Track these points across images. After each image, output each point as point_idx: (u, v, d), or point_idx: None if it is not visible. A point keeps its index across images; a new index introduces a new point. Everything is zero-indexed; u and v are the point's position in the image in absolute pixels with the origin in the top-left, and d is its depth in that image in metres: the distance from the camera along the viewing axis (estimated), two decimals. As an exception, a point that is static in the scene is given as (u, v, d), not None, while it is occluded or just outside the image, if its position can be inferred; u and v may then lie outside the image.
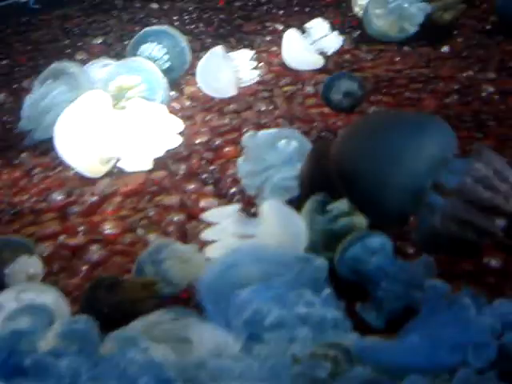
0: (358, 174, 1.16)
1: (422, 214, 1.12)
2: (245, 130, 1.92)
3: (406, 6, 2.40)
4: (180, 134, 1.88)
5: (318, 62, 2.29)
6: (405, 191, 1.11)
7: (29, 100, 1.93)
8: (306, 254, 1.16)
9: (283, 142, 1.44)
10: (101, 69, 2.04)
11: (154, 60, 2.08)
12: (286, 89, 2.20)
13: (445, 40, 2.46)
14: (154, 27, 2.35)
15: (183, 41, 2.23)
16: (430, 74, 2.19)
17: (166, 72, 2.07)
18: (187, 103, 2.19)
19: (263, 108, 2.08)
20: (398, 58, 2.36)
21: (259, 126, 1.94)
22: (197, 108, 2.13)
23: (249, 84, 2.18)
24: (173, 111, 2.06)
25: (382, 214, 1.17)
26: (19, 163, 1.95)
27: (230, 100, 2.13)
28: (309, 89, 2.17)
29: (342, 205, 1.27)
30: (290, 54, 2.31)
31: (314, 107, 2.06)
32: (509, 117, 1.87)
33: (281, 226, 1.22)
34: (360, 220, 1.26)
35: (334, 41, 2.35)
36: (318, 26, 2.35)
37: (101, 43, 2.83)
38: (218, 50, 2.16)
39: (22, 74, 2.62)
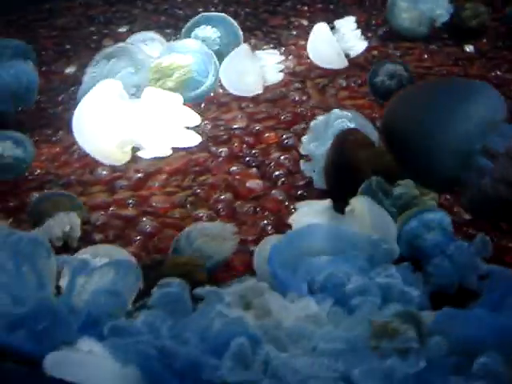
0: (408, 137, 1.20)
1: (472, 178, 1.15)
2: (282, 117, 1.96)
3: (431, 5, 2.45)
4: (217, 119, 1.92)
5: (342, 63, 2.27)
6: (454, 154, 1.14)
7: (91, 75, 1.95)
8: (379, 238, 1.18)
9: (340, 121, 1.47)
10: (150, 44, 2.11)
11: (206, 41, 2.11)
12: (317, 81, 2.23)
13: (470, 41, 2.52)
14: (212, 13, 2.38)
15: (238, 29, 2.26)
16: (459, 72, 2.24)
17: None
18: (221, 90, 2.21)
19: (297, 98, 2.10)
20: (426, 56, 2.40)
21: (295, 115, 1.97)
22: (231, 95, 2.15)
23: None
24: (208, 98, 2.10)
25: (432, 177, 1.21)
26: (58, 140, 1.96)
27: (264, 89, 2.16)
28: (341, 81, 2.21)
29: (406, 187, 1.30)
30: (316, 49, 2.30)
31: (348, 99, 2.10)
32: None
33: (374, 226, 1.22)
34: (428, 201, 1.29)
35: (359, 43, 2.34)
36: (347, 25, 2.35)
37: (127, 31, 2.84)
38: (243, 48, 2.15)
39: (49, 57, 2.63)
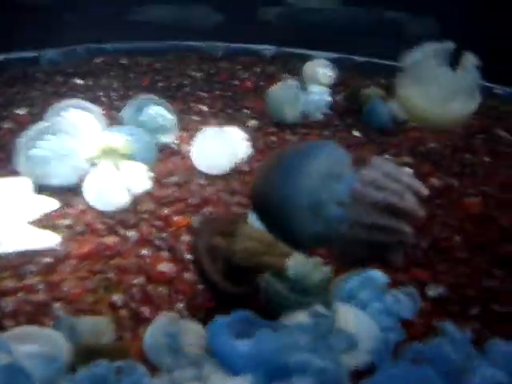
0: (269, 204, 1.24)
1: (331, 228, 1.21)
2: (189, 200, 2.01)
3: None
4: (124, 202, 1.95)
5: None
6: (308, 210, 1.19)
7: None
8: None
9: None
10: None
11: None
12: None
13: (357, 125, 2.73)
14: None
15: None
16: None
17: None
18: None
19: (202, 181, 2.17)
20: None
21: (203, 199, 2.04)
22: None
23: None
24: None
25: (299, 238, 1.24)
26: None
27: (170, 172, 2.22)
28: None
29: (295, 266, 1.38)
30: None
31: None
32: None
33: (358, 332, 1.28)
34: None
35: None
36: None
37: (26, 114, 2.83)
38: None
39: None
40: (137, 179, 2.02)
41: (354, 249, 1.22)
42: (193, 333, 1.29)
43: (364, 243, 1.20)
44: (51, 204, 1.95)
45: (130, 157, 2.04)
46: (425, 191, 1.22)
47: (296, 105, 2.69)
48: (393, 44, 2.98)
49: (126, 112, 2.40)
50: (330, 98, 2.82)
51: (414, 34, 3.58)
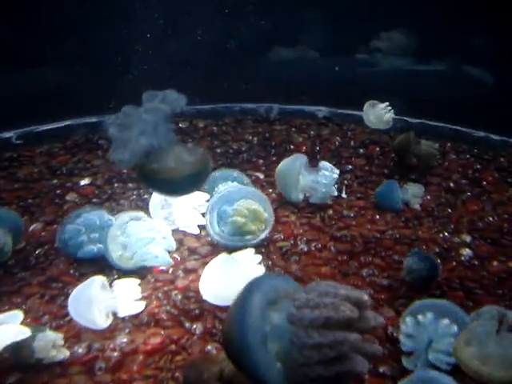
0: (229, 347, 1.34)
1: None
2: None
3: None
4: (187, 289, 2.00)
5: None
6: (257, 346, 1.26)
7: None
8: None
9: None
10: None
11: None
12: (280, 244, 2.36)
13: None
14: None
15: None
16: (411, 235, 2.41)
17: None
18: (187, 254, 2.30)
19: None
20: (377, 217, 2.57)
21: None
22: (199, 260, 2.24)
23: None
24: (176, 263, 2.19)
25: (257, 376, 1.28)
26: (28, 309, 1.99)
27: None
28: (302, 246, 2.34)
29: None
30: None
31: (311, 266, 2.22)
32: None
33: None
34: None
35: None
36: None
37: (90, 184, 2.92)
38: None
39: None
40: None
41: (309, 372, 1.25)
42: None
43: (317, 363, 1.24)
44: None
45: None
46: (364, 297, 1.26)
47: (298, 184, 2.62)
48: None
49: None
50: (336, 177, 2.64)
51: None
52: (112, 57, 3.53)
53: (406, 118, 3.50)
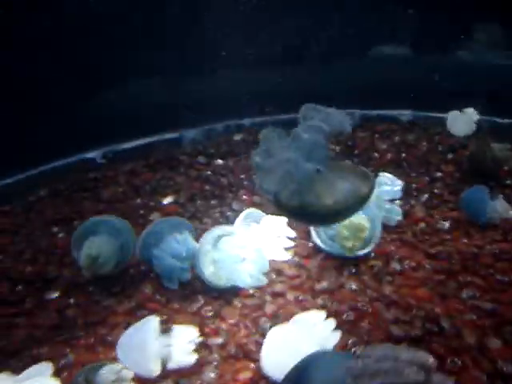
0: None
1: None
2: (344, 315, 1.96)
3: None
4: (276, 316, 1.92)
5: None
6: None
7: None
8: None
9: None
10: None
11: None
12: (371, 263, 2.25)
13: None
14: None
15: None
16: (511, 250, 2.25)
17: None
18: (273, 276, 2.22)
19: (354, 287, 2.11)
20: (473, 229, 2.41)
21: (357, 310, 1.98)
22: (286, 284, 2.16)
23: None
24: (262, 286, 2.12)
25: None
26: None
27: (318, 277, 2.17)
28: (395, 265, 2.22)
29: None
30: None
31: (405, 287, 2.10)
32: None
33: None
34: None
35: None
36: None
37: (173, 203, 2.90)
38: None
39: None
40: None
41: None
42: None
43: None
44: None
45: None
46: (429, 359, 1.15)
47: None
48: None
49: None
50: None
51: None
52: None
53: (494, 118, 3.30)
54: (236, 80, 3.55)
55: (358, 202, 1.67)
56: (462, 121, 2.96)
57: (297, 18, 3.53)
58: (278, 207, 1.69)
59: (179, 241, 2.22)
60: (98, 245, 2.21)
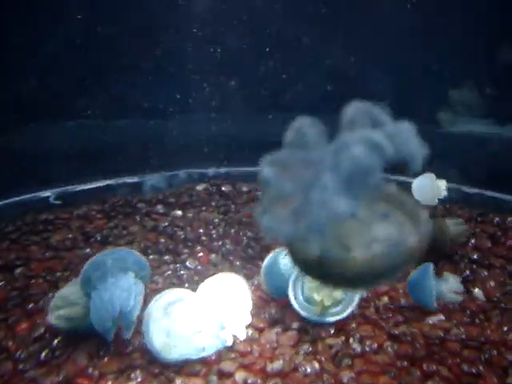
0: None
1: None
2: None
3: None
4: None
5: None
6: None
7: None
8: None
9: None
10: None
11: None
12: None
13: (474, 282, 2.42)
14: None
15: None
16: (479, 336, 2.09)
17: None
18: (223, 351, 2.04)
19: (309, 370, 1.93)
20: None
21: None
22: (236, 361, 1.98)
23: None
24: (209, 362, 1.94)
25: None
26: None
27: (272, 355, 2.00)
28: (355, 346, 2.05)
29: None
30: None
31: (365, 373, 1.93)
32: None
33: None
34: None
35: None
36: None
37: (124, 255, 2.71)
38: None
39: (39, 288, 2.45)
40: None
41: None
42: None
43: None
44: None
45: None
46: None
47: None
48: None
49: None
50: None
51: None
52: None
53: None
54: (201, 127, 3.41)
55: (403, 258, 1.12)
56: (430, 188, 2.81)
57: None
58: (290, 253, 1.16)
59: (125, 288, 2.00)
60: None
